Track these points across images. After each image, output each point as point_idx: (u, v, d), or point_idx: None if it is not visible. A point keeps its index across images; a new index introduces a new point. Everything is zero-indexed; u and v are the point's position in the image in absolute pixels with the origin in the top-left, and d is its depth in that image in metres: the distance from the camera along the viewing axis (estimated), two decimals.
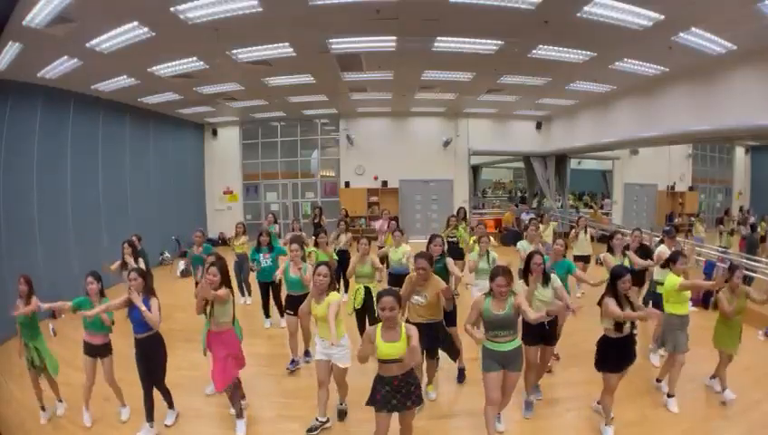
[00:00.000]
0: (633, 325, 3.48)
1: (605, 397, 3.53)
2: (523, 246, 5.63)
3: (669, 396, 3.95)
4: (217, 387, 3.63)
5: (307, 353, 5.00)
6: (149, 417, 3.66)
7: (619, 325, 3.33)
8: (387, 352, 2.77)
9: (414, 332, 2.80)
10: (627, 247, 5.23)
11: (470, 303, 3.52)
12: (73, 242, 7.76)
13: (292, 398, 4.28)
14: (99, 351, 3.77)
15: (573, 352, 4.84)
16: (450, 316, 4.40)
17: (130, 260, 5.57)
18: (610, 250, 5.13)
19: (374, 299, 4.18)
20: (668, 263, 4.15)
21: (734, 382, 4.20)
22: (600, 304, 3.47)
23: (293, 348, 4.85)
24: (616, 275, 3.39)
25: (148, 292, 3.63)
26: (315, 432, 3.61)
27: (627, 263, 4.88)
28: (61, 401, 4.08)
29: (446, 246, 4.74)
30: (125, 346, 5.22)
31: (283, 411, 4.03)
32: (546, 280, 3.88)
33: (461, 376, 4.53)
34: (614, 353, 3.39)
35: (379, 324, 2.86)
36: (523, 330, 3.50)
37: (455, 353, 4.22)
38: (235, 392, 3.68)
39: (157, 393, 3.74)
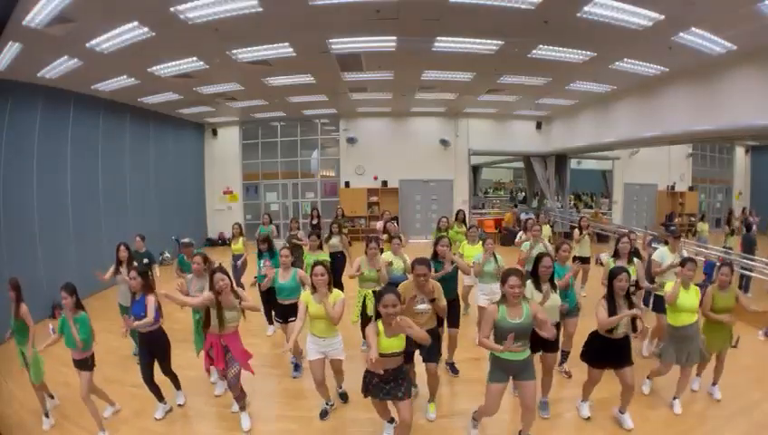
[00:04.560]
0: (633, 328, 3.39)
1: (586, 385, 3.68)
2: (527, 246, 5.51)
3: (675, 398, 3.97)
4: (243, 360, 3.68)
5: (296, 368, 4.78)
6: (160, 398, 3.92)
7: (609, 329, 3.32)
8: (386, 346, 2.89)
9: (411, 322, 2.92)
10: (634, 253, 4.87)
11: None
12: (73, 242, 7.76)
13: (292, 398, 4.29)
14: (77, 365, 3.68)
15: (574, 353, 4.82)
16: (454, 318, 4.35)
17: (123, 269, 5.08)
18: (616, 255, 4.81)
19: None
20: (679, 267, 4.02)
21: (734, 382, 4.20)
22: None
23: (294, 350, 4.61)
24: (612, 274, 3.38)
25: (148, 289, 3.80)
26: (327, 417, 3.87)
27: (632, 271, 4.45)
28: (52, 396, 4.08)
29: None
30: (125, 346, 5.26)
31: (284, 411, 4.03)
32: (554, 287, 3.76)
33: (454, 370, 4.64)
34: (599, 349, 3.43)
35: (379, 321, 2.93)
36: None
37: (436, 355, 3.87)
38: (242, 391, 3.75)
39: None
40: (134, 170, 9.95)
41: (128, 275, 3.83)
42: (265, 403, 4.16)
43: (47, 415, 3.88)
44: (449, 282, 4.21)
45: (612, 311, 3.32)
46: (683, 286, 3.83)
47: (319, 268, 3.54)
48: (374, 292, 4.61)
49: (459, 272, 4.53)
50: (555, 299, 3.78)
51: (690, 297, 3.80)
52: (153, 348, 3.85)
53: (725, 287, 3.91)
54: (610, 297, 3.37)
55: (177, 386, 4.14)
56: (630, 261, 4.71)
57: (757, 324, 5.72)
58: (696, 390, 4.21)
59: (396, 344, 2.90)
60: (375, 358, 2.76)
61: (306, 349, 3.77)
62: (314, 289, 3.55)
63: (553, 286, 3.77)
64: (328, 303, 3.48)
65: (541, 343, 3.54)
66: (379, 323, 2.92)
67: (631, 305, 3.36)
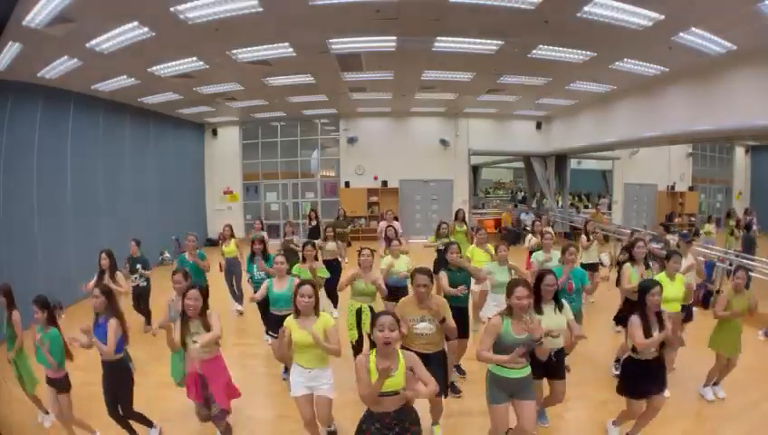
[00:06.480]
0: (661, 347, 3.11)
1: (625, 415, 3.37)
2: (538, 259, 5.05)
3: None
4: (224, 403, 3.26)
5: (286, 370, 4.29)
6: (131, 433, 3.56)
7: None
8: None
9: (416, 361, 2.45)
10: (649, 256, 4.69)
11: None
12: (73, 242, 7.76)
13: (292, 398, 4.27)
14: (54, 384, 3.44)
15: (573, 353, 4.82)
16: (463, 328, 3.99)
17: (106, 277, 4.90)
18: (631, 259, 4.57)
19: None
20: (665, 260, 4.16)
21: (734, 382, 4.20)
22: (617, 320, 3.26)
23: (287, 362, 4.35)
24: (644, 288, 3.12)
25: (111, 312, 3.31)
26: None
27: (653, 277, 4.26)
28: (47, 412, 3.86)
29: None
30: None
31: (283, 411, 4.02)
32: (560, 306, 3.20)
33: (459, 371, 4.46)
34: (638, 376, 3.14)
35: (372, 351, 2.45)
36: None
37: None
38: (228, 427, 3.43)
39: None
40: (134, 170, 9.95)
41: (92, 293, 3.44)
42: (265, 403, 4.15)
43: (47, 412, 3.85)
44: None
45: (647, 328, 3.05)
46: (668, 277, 4.01)
47: (306, 289, 2.99)
48: (371, 307, 4.15)
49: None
50: (559, 321, 3.17)
51: (675, 288, 4.00)
52: (113, 383, 3.35)
53: (741, 291, 3.98)
54: (643, 314, 3.08)
55: (148, 424, 3.62)
56: (648, 266, 4.53)
57: (757, 324, 5.72)
58: (711, 399, 4.09)
59: (394, 382, 2.33)
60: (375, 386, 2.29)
61: (291, 381, 3.18)
62: (298, 312, 2.99)
63: (559, 307, 3.20)
64: (315, 333, 2.89)
65: (546, 370, 3.22)
66: (372, 356, 2.42)
67: (661, 322, 3.08)
